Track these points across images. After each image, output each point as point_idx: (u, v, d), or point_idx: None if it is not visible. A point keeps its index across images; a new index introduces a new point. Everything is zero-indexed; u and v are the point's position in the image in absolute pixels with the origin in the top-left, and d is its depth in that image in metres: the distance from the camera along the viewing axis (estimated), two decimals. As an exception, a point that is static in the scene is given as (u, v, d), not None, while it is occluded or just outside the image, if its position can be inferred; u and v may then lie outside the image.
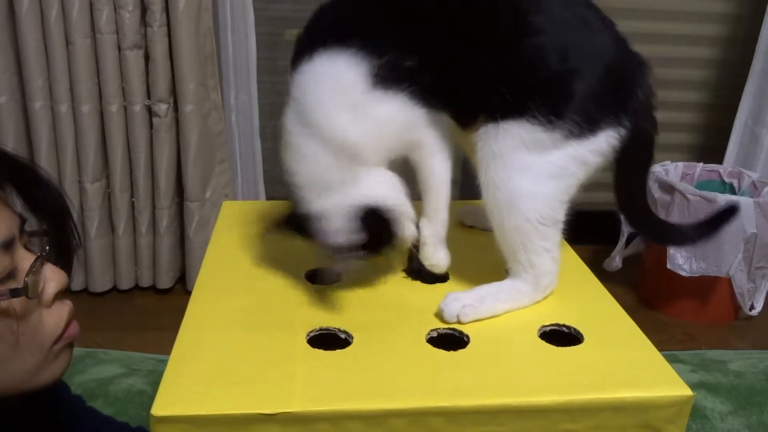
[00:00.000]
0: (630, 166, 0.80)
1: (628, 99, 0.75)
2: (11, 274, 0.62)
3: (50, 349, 0.66)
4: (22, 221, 0.66)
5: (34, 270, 0.63)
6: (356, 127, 0.75)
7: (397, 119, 0.76)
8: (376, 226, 0.76)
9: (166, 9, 1.81)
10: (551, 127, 0.72)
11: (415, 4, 0.76)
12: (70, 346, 0.69)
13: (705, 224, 0.86)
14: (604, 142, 0.74)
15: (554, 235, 0.77)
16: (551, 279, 0.79)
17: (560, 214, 0.77)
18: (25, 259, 0.64)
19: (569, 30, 0.73)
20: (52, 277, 0.66)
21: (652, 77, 0.77)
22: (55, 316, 0.66)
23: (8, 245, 0.62)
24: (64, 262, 0.71)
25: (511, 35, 0.73)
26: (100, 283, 2.05)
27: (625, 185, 0.83)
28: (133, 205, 2.01)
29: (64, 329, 0.67)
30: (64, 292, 0.68)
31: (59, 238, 0.71)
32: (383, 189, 0.78)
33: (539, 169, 0.74)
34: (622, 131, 0.75)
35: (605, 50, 0.74)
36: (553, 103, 0.72)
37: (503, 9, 0.74)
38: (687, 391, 0.64)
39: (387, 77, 0.74)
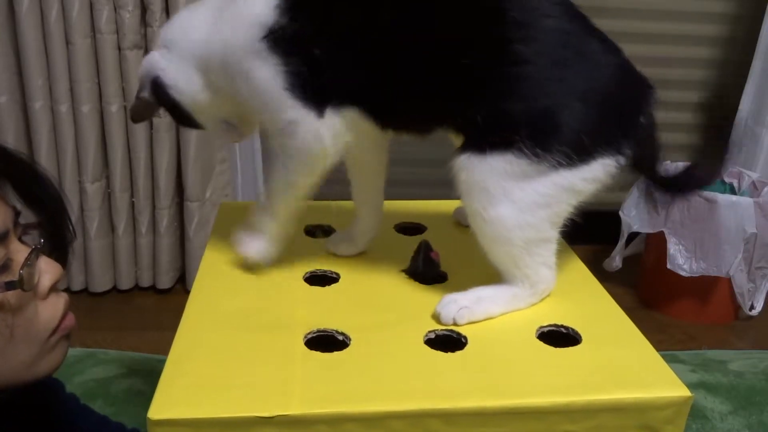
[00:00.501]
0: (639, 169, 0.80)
1: (629, 127, 0.73)
2: (6, 267, 0.63)
3: (46, 341, 0.66)
4: (17, 214, 0.67)
5: (29, 262, 0.63)
6: (239, 50, 0.73)
7: (258, 85, 0.73)
8: (156, 95, 0.84)
9: (166, 9, 1.81)
10: (537, 160, 0.69)
11: None
12: (67, 337, 0.69)
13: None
14: (600, 171, 0.72)
15: (547, 250, 0.76)
16: (548, 284, 0.78)
17: (552, 234, 0.75)
18: (19, 252, 0.64)
19: (562, 63, 0.69)
20: (47, 270, 0.66)
21: (655, 101, 0.75)
22: (51, 308, 0.67)
23: (3, 238, 0.63)
24: (60, 255, 0.71)
25: (489, 59, 0.69)
26: (100, 283, 2.05)
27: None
28: (133, 205, 2.01)
29: (60, 321, 0.67)
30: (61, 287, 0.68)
31: (54, 231, 0.72)
32: (174, 72, 0.81)
33: (524, 199, 0.71)
34: (622, 159, 0.73)
35: (603, 82, 0.71)
36: (539, 136, 0.69)
37: (483, 31, 0.69)
38: (685, 392, 0.64)
39: (276, 42, 0.71)
